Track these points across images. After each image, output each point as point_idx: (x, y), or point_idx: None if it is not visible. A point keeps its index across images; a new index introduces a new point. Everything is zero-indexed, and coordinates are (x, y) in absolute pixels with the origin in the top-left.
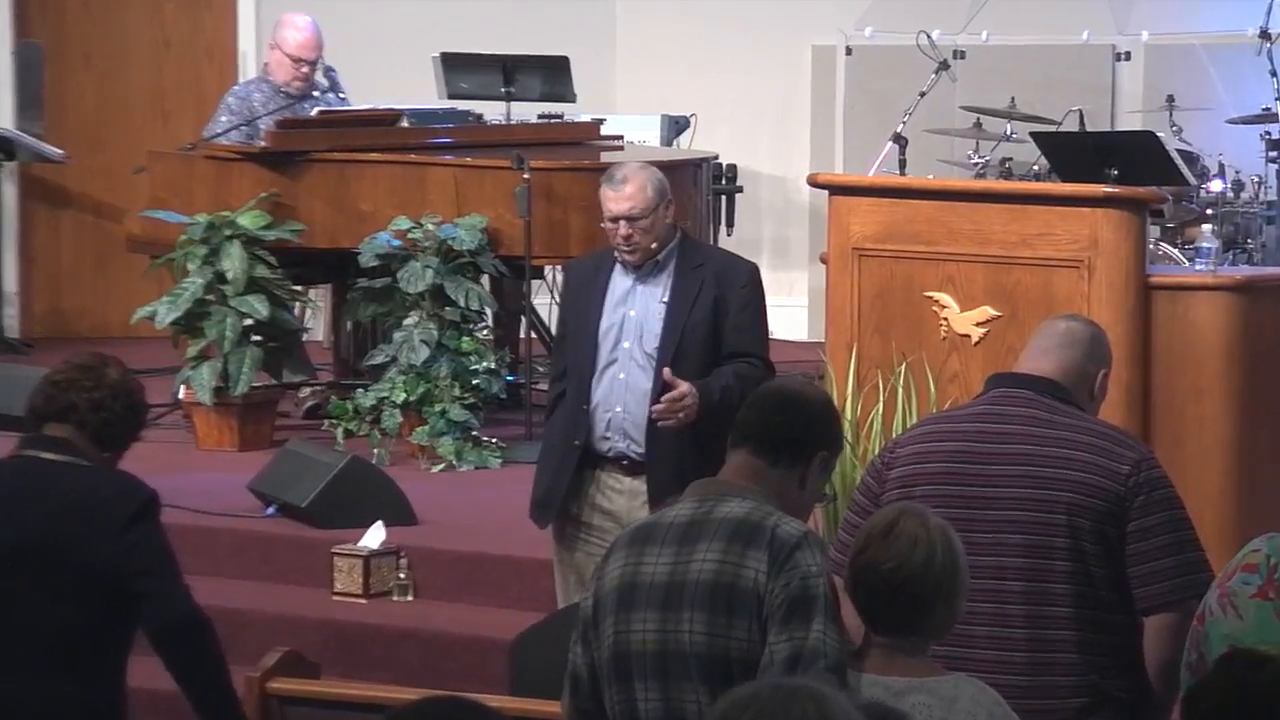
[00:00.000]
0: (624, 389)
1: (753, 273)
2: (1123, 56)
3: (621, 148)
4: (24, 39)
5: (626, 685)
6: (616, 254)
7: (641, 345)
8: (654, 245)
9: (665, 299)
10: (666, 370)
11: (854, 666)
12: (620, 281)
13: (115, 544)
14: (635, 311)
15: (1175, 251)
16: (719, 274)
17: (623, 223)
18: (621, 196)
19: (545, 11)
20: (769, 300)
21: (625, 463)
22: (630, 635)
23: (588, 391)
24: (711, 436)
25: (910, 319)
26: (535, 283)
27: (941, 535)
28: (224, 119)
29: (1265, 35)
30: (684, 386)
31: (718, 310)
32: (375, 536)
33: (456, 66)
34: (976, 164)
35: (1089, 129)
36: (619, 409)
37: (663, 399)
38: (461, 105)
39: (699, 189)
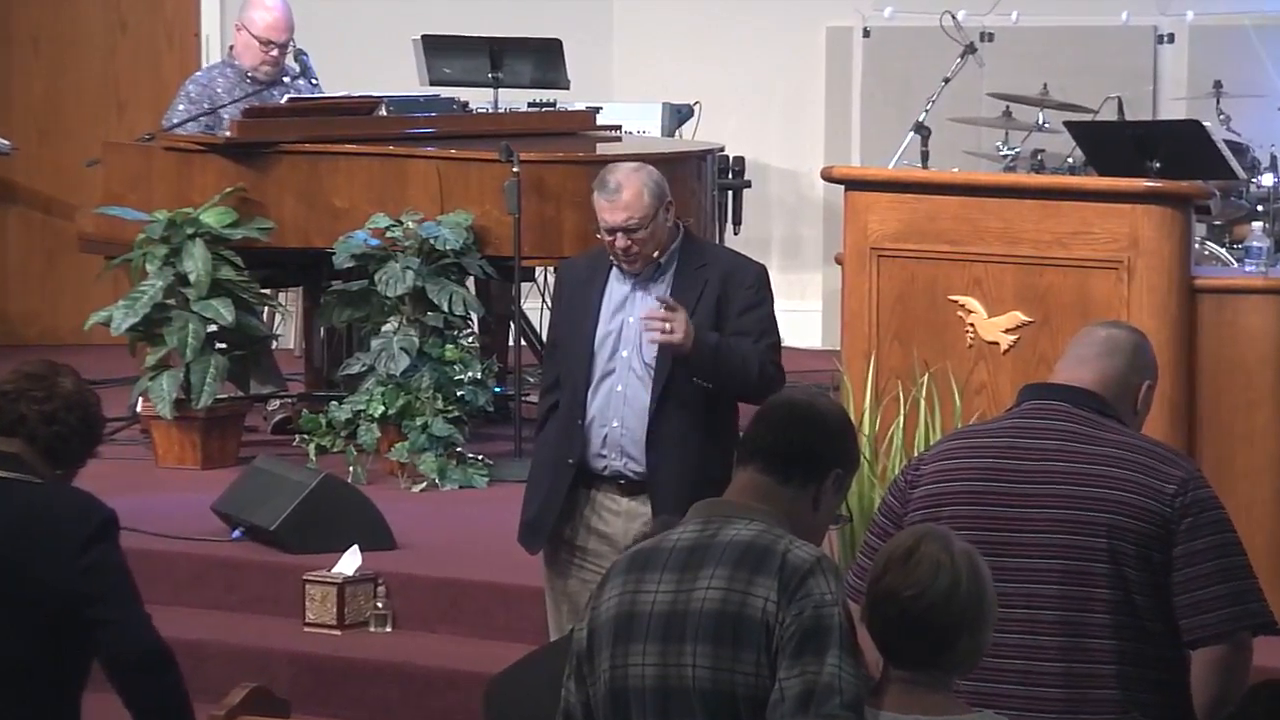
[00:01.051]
0: (621, 402)
1: (760, 274)
2: (1165, 39)
3: (619, 138)
4: None
5: None
6: (614, 261)
7: (641, 354)
8: (655, 252)
9: None
10: (662, 297)
11: (871, 703)
12: (618, 285)
13: (70, 567)
14: (634, 318)
15: (1222, 252)
16: (724, 276)
17: (620, 234)
18: (616, 206)
19: None
20: (780, 305)
21: (623, 482)
22: (628, 670)
23: (582, 404)
24: (716, 453)
25: (933, 325)
26: (525, 285)
27: (967, 560)
28: (181, 108)
29: None
30: (679, 309)
31: (720, 315)
32: (350, 562)
33: (439, 50)
34: (1006, 156)
35: (1128, 118)
36: (616, 424)
37: (649, 310)
38: (445, 92)
39: (703, 184)
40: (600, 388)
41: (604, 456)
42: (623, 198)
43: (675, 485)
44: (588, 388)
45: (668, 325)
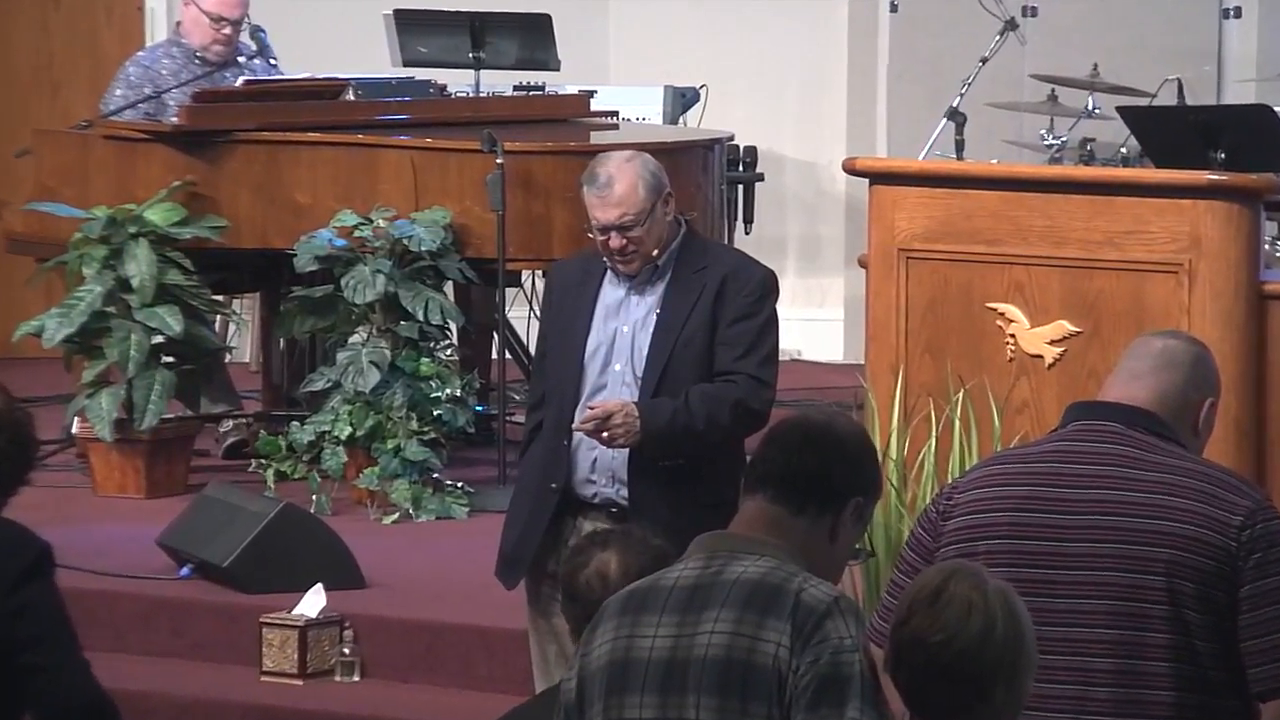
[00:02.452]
0: None
1: (764, 281)
2: (1231, 13)
3: (616, 126)
4: None
5: None
6: (608, 262)
7: (634, 368)
8: (654, 251)
9: (659, 310)
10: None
11: None
12: (612, 290)
13: (0, 607)
14: (629, 327)
15: None
16: (725, 279)
17: (613, 234)
18: (608, 202)
19: None
20: (797, 313)
21: (614, 510)
22: None
23: (569, 424)
24: (714, 479)
25: (969, 336)
26: (510, 291)
27: (1002, 600)
28: (119, 93)
29: None
30: (612, 403)
31: (716, 322)
32: (314, 603)
33: (414, 26)
34: (1050, 146)
35: (1189, 102)
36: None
37: (585, 414)
38: (420, 74)
39: (710, 178)
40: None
41: (593, 482)
42: (615, 192)
43: (666, 516)
44: (576, 405)
45: (605, 434)
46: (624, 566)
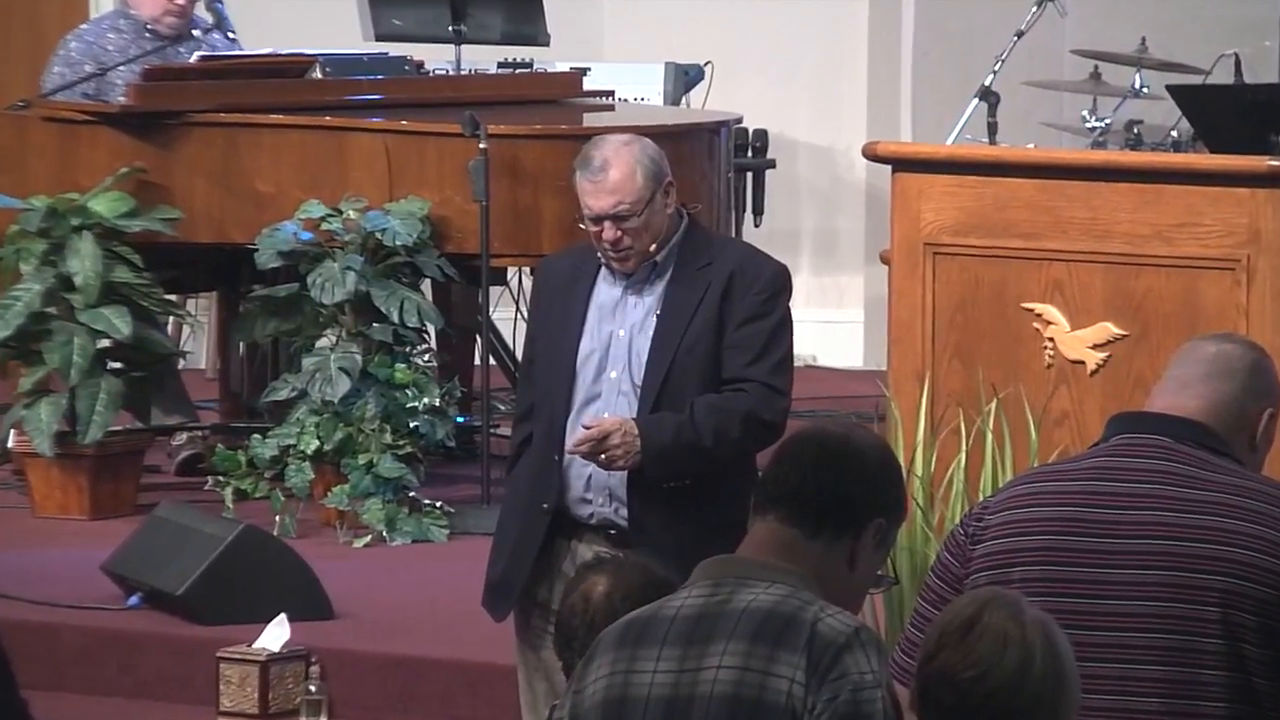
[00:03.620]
0: None
1: (776, 277)
2: None
3: (612, 107)
4: None
5: None
6: (603, 258)
7: (631, 375)
8: (652, 246)
9: (659, 311)
10: (587, 419)
11: None
12: (607, 289)
13: None
14: (625, 330)
15: None
16: (732, 275)
17: (608, 224)
18: (603, 189)
19: None
20: (811, 315)
21: (612, 532)
22: None
23: (560, 437)
24: (720, 499)
25: (1003, 340)
26: (495, 290)
27: (1041, 634)
28: (59, 70)
29: None
30: (608, 422)
31: (722, 324)
32: (276, 636)
33: None
34: (1094, 129)
35: (1248, 80)
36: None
37: (571, 440)
38: (395, 49)
39: (716, 163)
40: (583, 416)
41: (588, 501)
42: (610, 178)
43: (670, 539)
44: (568, 416)
45: (602, 456)
46: (611, 589)
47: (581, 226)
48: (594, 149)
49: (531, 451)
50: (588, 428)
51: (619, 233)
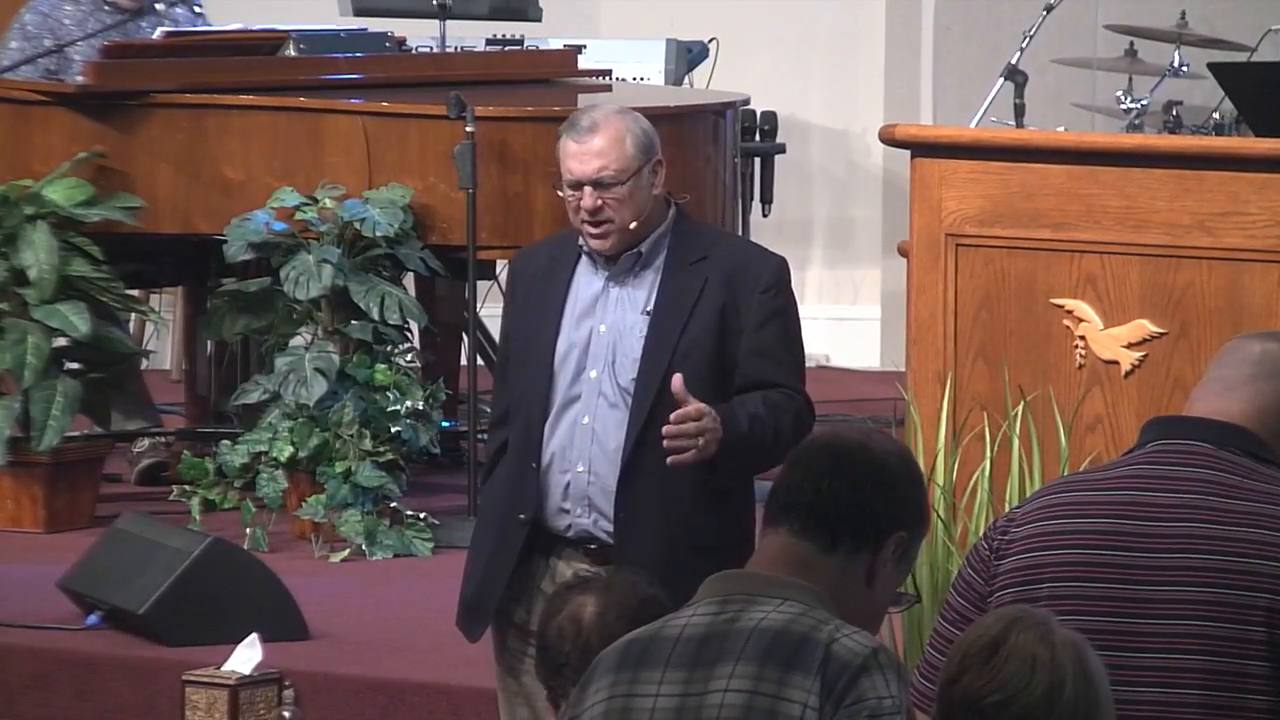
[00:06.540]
0: (589, 439)
1: (779, 270)
2: None
3: (609, 87)
4: None
5: None
6: (581, 239)
7: (614, 376)
8: (633, 225)
9: (649, 308)
10: (677, 377)
11: None
12: (587, 281)
13: None
14: (607, 326)
15: None
16: (731, 273)
17: (588, 190)
18: (587, 151)
19: None
20: (824, 311)
21: (593, 546)
22: None
23: (538, 443)
24: (716, 512)
25: (1031, 338)
26: (483, 285)
27: (1073, 655)
28: (14, 45)
29: None
30: (698, 404)
31: (725, 326)
32: (247, 657)
33: None
34: (1129, 110)
35: None
36: (582, 468)
37: (672, 417)
38: (374, 25)
39: (721, 148)
40: (562, 419)
41: (567, 512)
42: (596, 141)
43: (657, 555)
44: (545, 420)
45: (700, 440)
46: (603, 609)
47: (559, 194)
48: (583, 114)
49: (507, 459)
50: (680, 401)
51: (599, 201)
